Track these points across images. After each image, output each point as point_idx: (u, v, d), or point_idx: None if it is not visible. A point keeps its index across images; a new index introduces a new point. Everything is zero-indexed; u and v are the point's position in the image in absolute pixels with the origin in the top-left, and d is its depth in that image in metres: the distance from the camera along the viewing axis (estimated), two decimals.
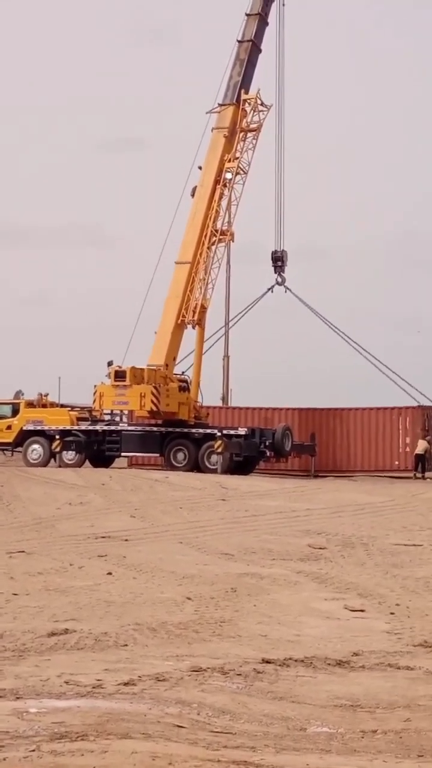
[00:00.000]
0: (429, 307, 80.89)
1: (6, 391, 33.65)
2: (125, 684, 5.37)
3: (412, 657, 6.77)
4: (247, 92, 31.84)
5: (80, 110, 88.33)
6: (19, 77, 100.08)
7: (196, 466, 29.58)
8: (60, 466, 30.14)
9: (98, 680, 5.45)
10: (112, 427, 31.79)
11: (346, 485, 27.03)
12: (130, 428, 31.55)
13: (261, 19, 32.42)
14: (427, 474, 30.94)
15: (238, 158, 31.71)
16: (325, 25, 78.97)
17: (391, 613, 8.95)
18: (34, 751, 3.55)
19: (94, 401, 31.38)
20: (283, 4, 32.99)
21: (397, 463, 32.19)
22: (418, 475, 30.84)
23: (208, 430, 30.73)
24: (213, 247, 31.64)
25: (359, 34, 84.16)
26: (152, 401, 29.75)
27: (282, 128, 32.51)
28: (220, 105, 32.02)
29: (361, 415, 32.96)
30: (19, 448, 31.43)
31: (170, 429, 30.70)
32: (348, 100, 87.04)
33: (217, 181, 31.44)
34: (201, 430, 30.76)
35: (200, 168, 31.68)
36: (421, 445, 31.08)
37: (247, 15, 32.53)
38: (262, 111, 32.13)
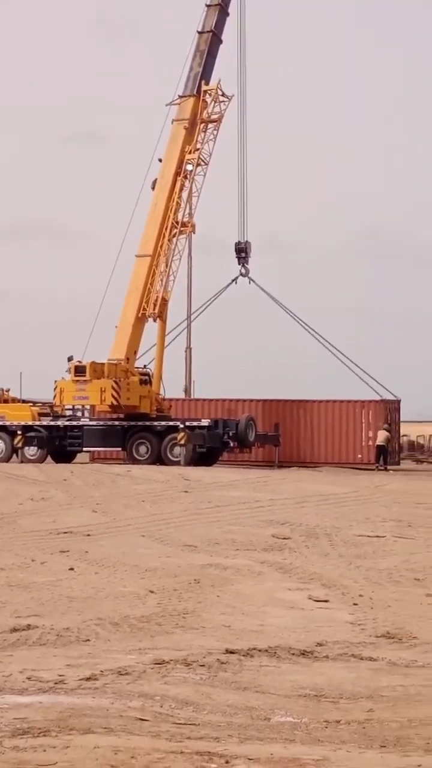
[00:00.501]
0: (392, 301, 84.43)
1: None
2: (87, 679, 5.35)
3: (374, 648, 6.83)
4: (207, 83, 31.88)
5: (40, 104, 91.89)
6: None
7: (158, 458, 29.53)
8: (22, 462, 30.12)
9: (60, 675, 5.45)
10: (74, 423, 31.56)
11: (310, 476, 27.15)
12: (91, 423, 31.32)
13: (221, 9, 32.46)
14: (391, 467, 31.79)
15: (198, 149, 31.72)
16: (290, 15, 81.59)
17: (355, 604, 8.99)
18: None
19: (55, 396, 31.51)
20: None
21: (360, 456, 32.83)
22: (380, 466, 31.33)
23: (171, 423, 30.76)
24: (174, 239, 31.74)
25: (324, 23, 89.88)
26: (113, 395, 29.88)
27: (244, 119, 32.34)
28: (180, 96, 31.96)
29: (325, 408, 33.41)
30: None
31: (132, 423, 30.75)
32: (319, 93, 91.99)
33: (177, 173, 31.52)
34: (163, 423, 30.76)
35: (160, 160, 31.74)
36: (381, 435, 31.66)
37: (207, 6, 32.63)
38: (223, 102, 32.14)
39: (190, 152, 31.57)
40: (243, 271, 33.66)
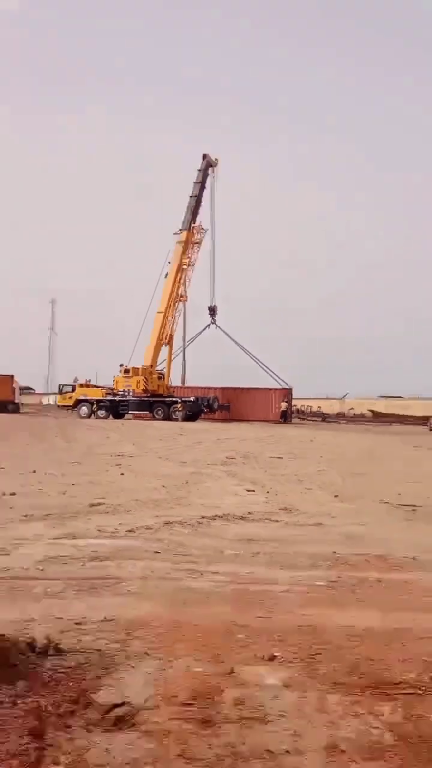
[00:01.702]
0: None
1: (69, 378, 56.65)
2: (129, 531, 8.49)
3: (277, 515, 10.32)
4: (194, 222, 52.69)
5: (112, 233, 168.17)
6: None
7: (167, 417, 48.64)
8: (96, 418, 49.22)
9: (116, 529, 8.55)
10: (123, 398, 50.76)
11: (247, 426, 44.29)
12: (132, 399, 50.40)
13: (204, 176, 53.24)
14: (288, 423, 52.73)
15: (189, 257, 52.94)
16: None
17: (267, 492, 12.94)
18: (83, 565, 6.61)
19: (114, 384, 52.19)
20: (213, 176, 53.93)
21: (272, 417, 53.11)
22: (281, 421, 52.41)
23: (174, 398, 51.15)
24: (176, 304, 52.65)
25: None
26: (143, 384, 49.98)
27: (214, 239, 53.66)
28: (180, 230, 52.51)
29: (255, 393, 55.34)
30: (75, 408, 51.74)
31: (153, 398, 50.57)
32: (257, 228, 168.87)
33: (177, 270, 52.07)
34: (169, 399, 51.12)
35: (169, 263, 52.71)
36: (283, 405, 54.13)
37: (195, 182, 53.30)
38: (202, 231, 53.27)
39: (184, 259, 52.38)
40: (212, 321, 54.92)
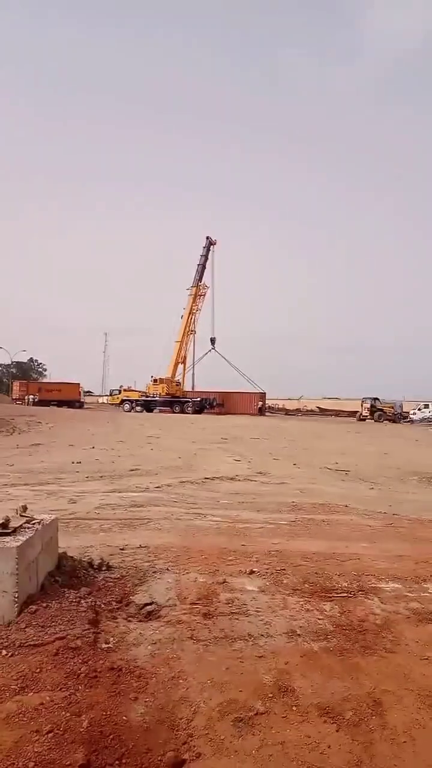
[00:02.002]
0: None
1: (116, 385, 56.93)
2: (157, 487, 8.57)
3: (255, 477, 10.50)
4: (201, 281, 52.49)
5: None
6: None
7: (182, 411, 46.88)
8: (135, 412, 47.16)
9: (147, 486, 8.64)
10: (153, 398, 49.52)
11: (235, 417, 42.19)
12: (159, 399, 49.28)
13: (207, 250, 52.59)
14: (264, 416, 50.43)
15: (197, 304, 52.30)
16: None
17: (249, 461, 13.05)
18: (124, 510, 6.57)
19: (147, 389, 51.04)
20: (213, 251, 52.68)
21: (253, 411, 51.27)
22: (258, 414, 49.97)
23: (187, 399, 49.75)
24: (188, 336, 52.67)
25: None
26: (167, 389, 49.46)
27: (214, 295, 52.80)
28: (191, 286, 52.38)
29: (240, 396, 53.36)
30: (120, 405, 50.40)
31: (174, 399, 49.35)
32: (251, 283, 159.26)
33: (189, 314, 51.75)
34: (183, 399, 49.75)
35: (184, 309, 52.51)
36: (260, 403, 52.44)
37: (203, 252, 52.80)
38: (206, 288, 52.67)
39: (193, 306, 51.85)
40: (213, 347, 53.39)
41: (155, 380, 50.69)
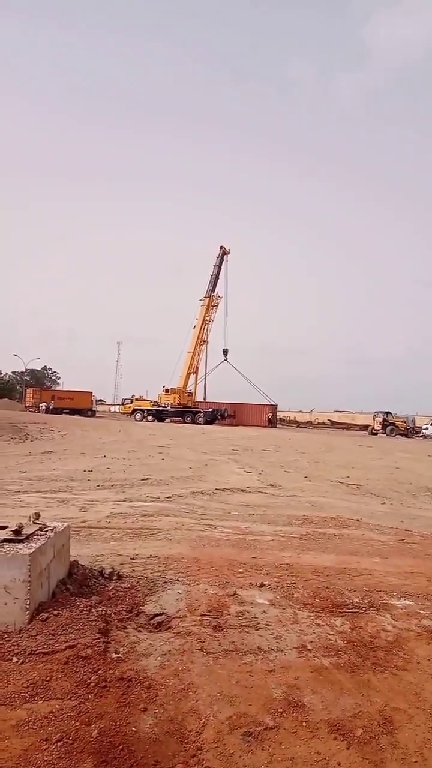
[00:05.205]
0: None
1: (128, 394, 57.48)
2: (167, 497, 8.56)
3: (266, 489, 10.34)
4: (214, 291, 51.14)
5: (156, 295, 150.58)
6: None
7: (194, 422, 46.65)
8: (146, 422, 46.37)
9: (158, 496, 8.61)
10: (165, 408, 49.28)
11: (248, 429, 42.01)
12: (171, 409, 49.06)
13: (220, 260, 51.37)
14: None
15: (209, 314, 51.03)
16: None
17: (260, 473, 12.88)
18: (135, 519, 6.58)
19: (158, 399, 50.73)
20: (226, 261, 51.37)
21: (264, 422, 50.12)
22: (269, 426, 48.78)
23: (198, 409, 49.06)
24: (200, 347, 51.14)
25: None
26: (179, 399, 48.94)
27: (227, 305, 51.50)
28: (204, 297, 51.31)
29: (251, 407, 51.98)
30: (132, 414, 50.30)
31: (185, 409, 48.96)
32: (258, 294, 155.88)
33: (201, 324, 50.48)
34: (195, 410, 49.04)
35: (196, 319, 51.32)
36: (270, 414, 50.83)
37: (216, 263, 51.56)
38: (219, 298, 51.28)
39: (206, 317, 50.63)
40: (225, 358, 51.72)
41: (167, 390, 50.25)
